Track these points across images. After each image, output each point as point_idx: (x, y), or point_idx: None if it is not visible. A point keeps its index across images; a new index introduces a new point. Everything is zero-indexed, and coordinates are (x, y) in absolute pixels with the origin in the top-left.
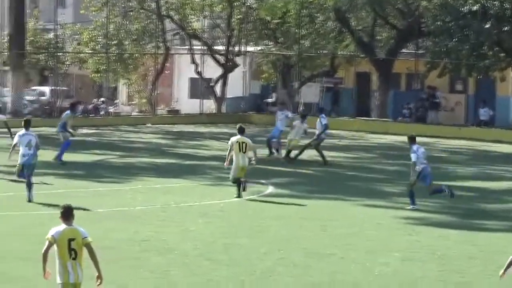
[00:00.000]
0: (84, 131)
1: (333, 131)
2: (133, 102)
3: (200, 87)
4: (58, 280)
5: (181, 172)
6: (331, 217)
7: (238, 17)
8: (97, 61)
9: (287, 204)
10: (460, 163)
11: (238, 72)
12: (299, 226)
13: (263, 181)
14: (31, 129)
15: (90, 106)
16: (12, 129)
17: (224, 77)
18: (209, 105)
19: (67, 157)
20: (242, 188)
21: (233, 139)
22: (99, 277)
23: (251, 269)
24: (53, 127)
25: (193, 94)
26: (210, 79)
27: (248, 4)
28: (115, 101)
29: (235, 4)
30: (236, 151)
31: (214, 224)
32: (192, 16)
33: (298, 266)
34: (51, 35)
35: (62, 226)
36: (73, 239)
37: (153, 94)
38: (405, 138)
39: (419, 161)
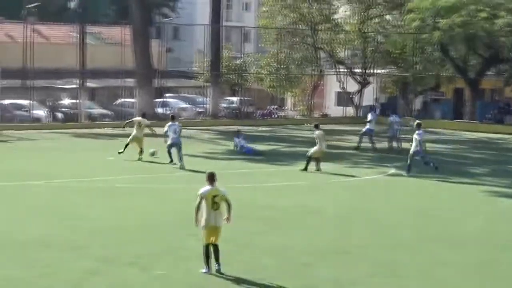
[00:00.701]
0: (263, 128)
1: (437, 129)
2: (296, 109)
3: (344, 98)
4: (203, 223)
5: (330, 158)
6: (434, 189)
7: (371, 48)
8: (271, 79)
9: (404, 180)
10: None
11: (370, 88)
12: (413, 195)
13: (387, 164)
14: (176, 122)
15: (265, 111)
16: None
17: (360, 91)
18: (349, 111)
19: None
20: (318, 167)
21: (318, 132)
22: (229, 218)
23: (380, 223)
24: (241, 126)
25: (339, 103)
26: (350, 92)
27: (378, 39)
28: (283, 108)
29: (368, 39)
30: (321, 140)
31: (353, 195)
32: (338, 48)
33: (413, 223)
34: (238, 61)
35: (208, 187)
36: (215, 196)
37: (310, 102)
38: (489, 135)
39: (419, 142)
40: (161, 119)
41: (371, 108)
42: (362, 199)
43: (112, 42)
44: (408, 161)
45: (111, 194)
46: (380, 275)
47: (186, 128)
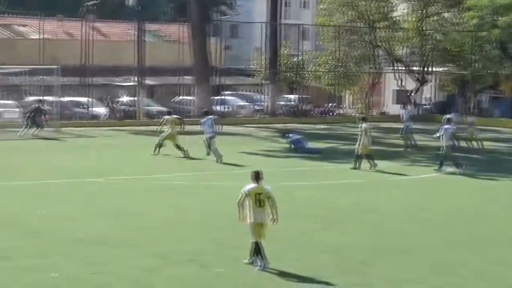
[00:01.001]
0: (320, 126)
1: (496, 128)
2: (354, 106)
3: (402, 96)
4: (249, 220)
5: (386, 156)
6: (492, 188)
7: (429, 46)
8: (328, 77)
9: (461, 179)
10: None
11: (428, 86)
12: (469, 194)
13: (445, 162)
14: (210, 116)
15: (323, 109)
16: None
17: (418, 89)
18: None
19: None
20: (358, 164)
21: (364, 126)
22: (275, 219)
23: (437, 221)
24: (299, 124)
25: (397, 101)
26: (408, 90)
27: (436, 37)
28: (341, 106)
29: (426, 37)
30: (365, 135)
31: (410, 193)
32: (396, 46)
33: (470, 222)
34: (296, 59)
35: (253, 185)
36: (260, 193)
37: (368, 100)
38: None
39: (446, 137)
40: (220, 117)
41: (404, 106)
42: (419, 197)
43: (170, 39)
44: (450, 160)
45: (169, 192)
46: (437, 274)
47: (244, 126)
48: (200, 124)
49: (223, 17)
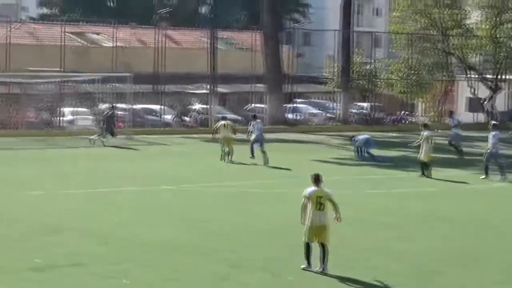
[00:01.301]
0: (393, 134)
1: None
2: (427, 114)
3: (475, 104)
4: (308, 223)
5: (456, 164)
6: None
7: (503, 54)
8: (401, 85)
9: None
10: None
11: (502, 94)
12: None
13: None
14: (258, 120)
15: (395, 117)
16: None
17: (491, 97)
18: (481, 117)
19: (381, 153)
20: (428, 172)
21: (426, 133)
22: (339, 218)
23: (510, 231)
24: (371, 131)
25: (470, 109)
26: (482, 98)
27: (510, 45)
28: (413, 113)
29: (500, 45)
30: (426, 142)
31: (482, 202)
32: (469, 54)
33: None
34: (369, 66)
35: (313, 188)
36: (320, 196)
37: (441, 108)
38: None
39: (493, 143)
40: (292, 125)
41: (450, 114)
42: (491, 206)
43: (243, 47)
44: (485, 164)
45: (241, 199)
46: (509, 283)
47: (316, 134)
48: (249, 127)
49: (295, 24)
